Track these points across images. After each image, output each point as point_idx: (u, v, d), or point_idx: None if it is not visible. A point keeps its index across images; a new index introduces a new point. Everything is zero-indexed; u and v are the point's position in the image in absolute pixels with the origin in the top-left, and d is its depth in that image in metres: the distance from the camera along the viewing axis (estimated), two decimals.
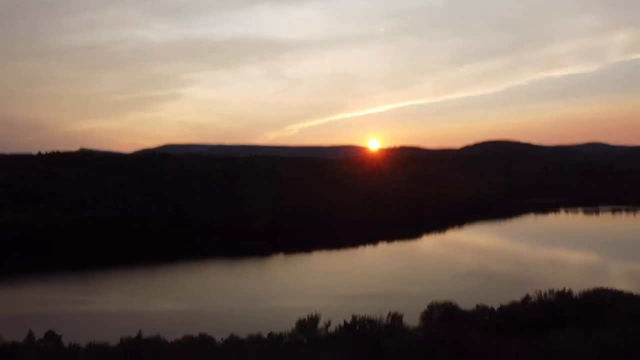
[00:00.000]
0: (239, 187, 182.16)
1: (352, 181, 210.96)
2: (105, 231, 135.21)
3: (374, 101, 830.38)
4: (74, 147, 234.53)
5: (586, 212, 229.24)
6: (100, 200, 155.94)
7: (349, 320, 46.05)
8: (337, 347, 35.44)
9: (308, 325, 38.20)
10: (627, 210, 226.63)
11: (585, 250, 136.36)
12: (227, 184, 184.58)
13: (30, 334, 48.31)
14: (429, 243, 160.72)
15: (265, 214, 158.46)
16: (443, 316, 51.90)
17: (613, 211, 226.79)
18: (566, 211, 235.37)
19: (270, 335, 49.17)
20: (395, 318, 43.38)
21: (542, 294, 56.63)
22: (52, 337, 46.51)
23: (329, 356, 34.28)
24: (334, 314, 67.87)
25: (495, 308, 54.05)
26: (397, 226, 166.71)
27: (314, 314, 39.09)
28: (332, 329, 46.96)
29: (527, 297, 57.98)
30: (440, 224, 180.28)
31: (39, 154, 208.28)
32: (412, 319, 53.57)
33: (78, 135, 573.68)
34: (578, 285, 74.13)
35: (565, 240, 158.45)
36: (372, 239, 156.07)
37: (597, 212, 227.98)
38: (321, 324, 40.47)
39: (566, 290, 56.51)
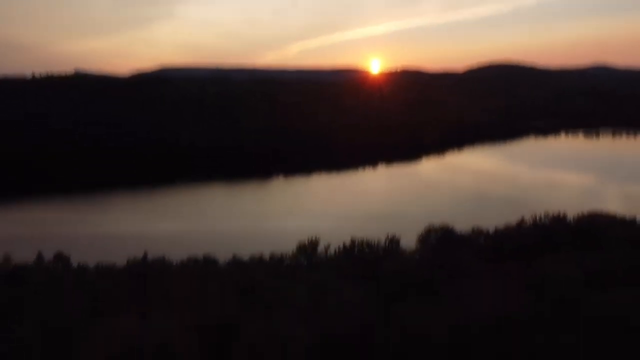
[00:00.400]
0: (237, 111, 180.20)
1: (353, 105, 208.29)
2: (104, 156, 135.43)
3: (376, 19, 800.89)
4: (67, 68, 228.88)
5: (587, 135, 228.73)
6: (98, 125, 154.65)
7: (347, 243, 47.13)
8: (337, 271, 36.58)
9: (308, 248, 39.22)
10: (628, 133, 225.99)
11: (583, 173, 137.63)
12: (224, 108, 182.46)
13: (39, 256, 49.62)
14: (429, 166, 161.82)
15: (263, 138, 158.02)
16: (440, 239, 53.01)
17: (614, 134, 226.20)
18: (567, 134, 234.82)
19: (271, 257, 50.64)
20: (393, 241, 44.40)
21: (537, 218, 57.67)
22: (60, 258, 47.81)
23: (328, 279, 35.42)
24: (333, 235, 69.35)
25: (491, 231, 55.15)
26: (397, 150, 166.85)
27: (313, 238, 40.00)
28: (331, 251, 48.19)
29: (522, 221, 59.10)
30: (440, 147, 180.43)
31: (33, 76, 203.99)
32: (410, 241, 54.90)
33: (70, 55, 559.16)
34: (575, 207, 75.38)
35: (564, 162, 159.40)
36: (372, 163, 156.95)
37: (597, 135, 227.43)
38: (321, 248, 41.50)
39: (561, 215, 57.46)
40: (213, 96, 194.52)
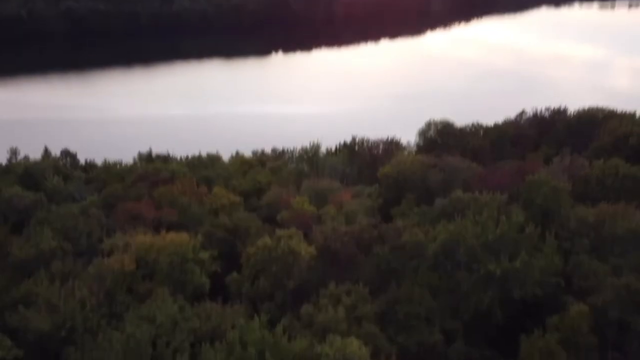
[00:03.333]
0: None
1: None
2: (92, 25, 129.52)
3: None
4: None
5: (602, 6, 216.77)
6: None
7: (349, 141, 48.01)
8: (337, 173, 38.02)
9: (310, 151, 40.01)
10: None
11: (595, 45, 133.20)
12: None
13: (46, 151, 50.58)
14: (434, 40, 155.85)
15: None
16: (439, 133, 53.82)
17: (630, 5, 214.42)
18: (580, 4, 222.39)
19: (273, 151, 51.95)
20: (393, 143, 45.27)
21: (537, 112, 57.80)
22: (68, 154, 48.93)
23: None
24: (335, 120, 70.19)
25: (490, 125, 55.65)
26: (400, 22, 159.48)
27: (315, 142, 40.57)
28: (332, 147, 49.15)
29: (522, 113, 59.40)
30: (445, 19, 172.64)
31: None
32: (410, 131, 55.31)
33: None
34: (582, 85, 74.59)
35: (576, 34, 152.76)
36: (374, 36, 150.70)
37: (612, 6, 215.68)
38: (322, 150, 42.31)
39: (561, 108, 57.45)
40: None
